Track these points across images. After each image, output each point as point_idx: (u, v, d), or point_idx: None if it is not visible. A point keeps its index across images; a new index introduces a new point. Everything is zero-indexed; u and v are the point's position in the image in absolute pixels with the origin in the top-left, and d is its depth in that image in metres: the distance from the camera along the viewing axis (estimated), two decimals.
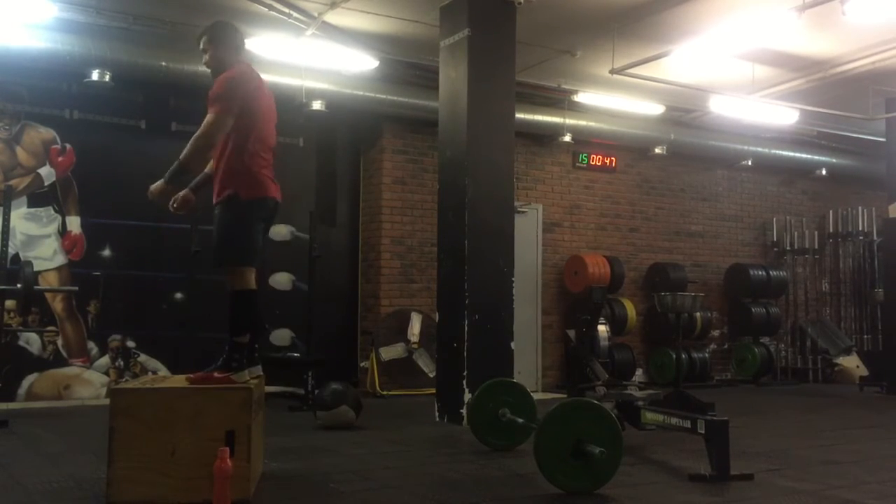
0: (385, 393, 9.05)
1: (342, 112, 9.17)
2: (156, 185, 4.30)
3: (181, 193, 4.58)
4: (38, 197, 8.16)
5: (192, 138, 4.24)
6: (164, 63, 7.92)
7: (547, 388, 10.14)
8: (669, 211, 11.68)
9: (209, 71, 4.59)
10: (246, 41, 7.81)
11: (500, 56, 7.19)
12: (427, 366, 9.10)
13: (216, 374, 4.24)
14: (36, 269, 7.62)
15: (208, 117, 4.26)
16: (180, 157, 4.21)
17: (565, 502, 4.28)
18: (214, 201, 4.42)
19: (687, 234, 11.82)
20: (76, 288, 7.97)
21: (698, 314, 10.69)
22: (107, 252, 8.40)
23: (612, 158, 11.10)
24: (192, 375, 4.29)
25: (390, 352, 9.17)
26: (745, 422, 7.24)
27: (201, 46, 4.55)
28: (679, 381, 7.89)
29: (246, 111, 4.36)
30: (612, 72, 8.61)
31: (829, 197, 13.05)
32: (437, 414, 7.15)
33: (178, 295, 8.68)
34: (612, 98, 9.84)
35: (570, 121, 10.19)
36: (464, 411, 6.54)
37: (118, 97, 8.31)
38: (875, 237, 12.11)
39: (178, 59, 7.98)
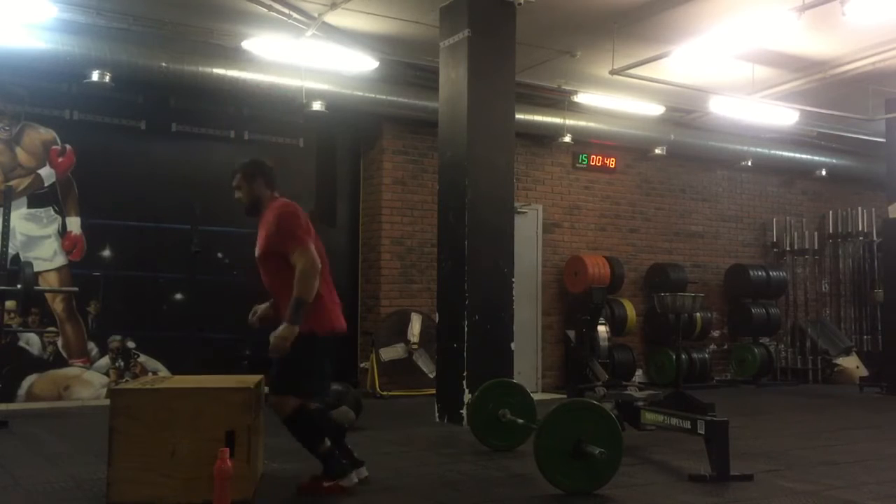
0: (385, 393, 9.05)
1: (342, 113, 9.17)
2: (288, 332, 4.14)
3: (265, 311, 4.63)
4: (39, 197, 8.15)
5: (300, 276, 4.17)
6: (164, 64, 7.91)
7: (547, 388, 10.14)
8: (669, 211, 11.68)
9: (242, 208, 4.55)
10: (245, 42, 7.88)
11: (500, 57, 7.19)
12: (427, 366, 9.10)
13: (324, 484, 4.31)
14: (36, 269, 7.61)
15: (297, 254, 4.21)
16: (298, 296, 4.14)
17: (565, 502, 4.29)
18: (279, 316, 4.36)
19: (687, 234, 11.82)
20: (76, 288, 7.97)
21: (698, 315, 10.69)
22: (107, 252, 8.40)
23: (612, 159, 11.11)
24: (303, 485, 4.37)
25: (390, 352, 9.17)
26: (745, 422, 7.25)
27: (234, 183, 4.52)
28: (679, 382, 7.87)
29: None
30: (612, 72, 8.61)
31: (829, 197, 13.06)
32: (437, 414, 7.15)
33: (178, 295, 8.68)
34: (612, 98, 9.84)
35: (570, 121, 10.19)
36: (464, 412, 6.54)
37: (118, 98, 8.31)
38: (875, 238, 12.10)
39: (178, 59, 7.97)
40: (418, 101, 9.15)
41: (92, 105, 8.32)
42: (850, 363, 11.62)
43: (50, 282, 8.11)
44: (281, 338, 4.12)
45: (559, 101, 10.11)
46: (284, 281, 4.25)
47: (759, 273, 11.72)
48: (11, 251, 7.43)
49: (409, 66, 9.07)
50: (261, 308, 4.65)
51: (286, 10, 7.49)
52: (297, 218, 4.36)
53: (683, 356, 9.89)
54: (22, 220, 8.01)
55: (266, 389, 4.75)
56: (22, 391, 7.94)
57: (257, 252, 4.44)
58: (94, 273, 8.30)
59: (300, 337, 4.17)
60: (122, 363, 8.39)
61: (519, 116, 8.36)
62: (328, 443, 4.36)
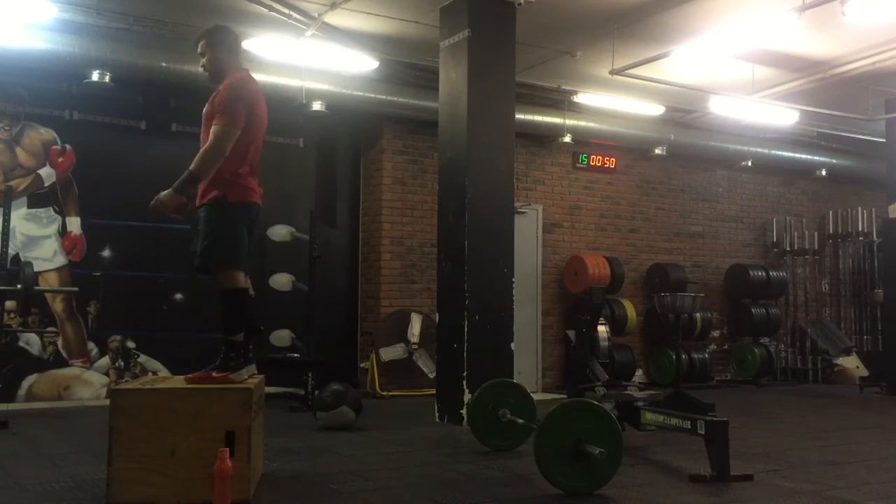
0: (385, 393, 9.05)
1: (342, 113, 9.17)
2: (166, 194, 4.28)
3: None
4: (39, 197, 8.15)
5: (203, 150, 4.28)
6: (164, 64, 7.92)
7: (547, 388, 10.14)
8: (669, 211, 11.68)
9: (207, 76, 4.59)
10: (245, 42, 7.86)
11: (500, 57, 7.19)
12: (427, 366, 9.10)
13: (214, 374, 4.25)
14: (36, 269, 7.61)
15: (216, 128, 4.27)
16: (191, 167, 4.23)
17: (565, 502, 4.29)
18: (198, 203, 4.43)
19: (687, 234, 11.82)
20: (76, 288, 7.97)
21: (698, 315, 10.69)
22: (107, 253, 8.40)
23: (612, 159, 11.11)
24: (190, 376, 4.29)
25: (390, 352, 9.17)
26: (745, 422, 7.25)
27: (199, 50, 4.56)
28: (679, 382, 7.87)
29: (247, 119, 4.37)
30: (612, 72, 8.61)
31: (829, 197, 13.06)
32: (437, 414, 7.15)
33: (178, 295, 8.68)
34: (612, 99, 9.84)
35: (570, 121, 10.20)
36: (464, 412, 6.54)
37: (118, 98, 8.31)
38: (875, 238, 12.10)
39: (178, 59, 7.98)
40: (418, 101, 9.15)
41: (92, 105, 8.32)
42: (850, 363, 11.62)
43: (50, 282, 8.11)
44: (160, 202, 4.25)
45: (559, 101, 10.11)
46: None
47: (759, 273, 11.72)
48: (11, 251, 7.43)
49: (409, 66, 9.07)
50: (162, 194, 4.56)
51: (286, 10, 7.49)
52: (238, 91, 4.35)
53: (683, 356, 9.89)
54: (22, 220, 8.01)
55: (266, 391, 4.76)
56: (22, 391, 7.94)
57: (203, 113, 4.48)
58: (94, 273, 8.29)
59: (211, 203, 4.30)
60: (122, 363, 8.39)
61: (519, 116, 8.36)
62: (242, 335, 4.35)
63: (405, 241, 9.55)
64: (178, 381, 4.39)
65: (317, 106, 8.67)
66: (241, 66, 4.60)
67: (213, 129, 4.28)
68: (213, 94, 4.44)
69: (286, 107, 8.84)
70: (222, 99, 4.33)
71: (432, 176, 9.14)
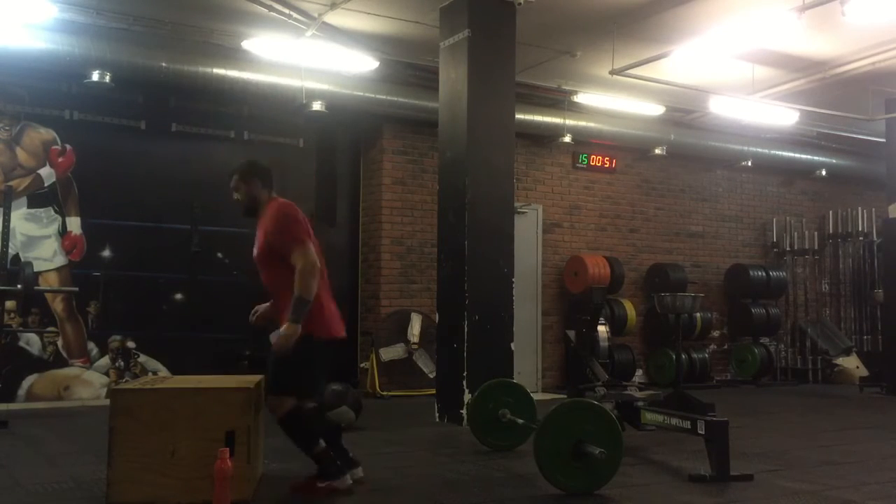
0: (385, 393, 9.05)
1: (342, 113, 9.17)
2: (286, 330, 4.15)
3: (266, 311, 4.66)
4: (39, 197, 8.16)
5: (300, 276, 4.18)
6: (164, 64, 7.91)
7: (547, 388, 10.14)
8: (669, 211, 11.68)
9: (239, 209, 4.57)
10: (245, 42, 7.88)
11: (500, 57, 7.19)
12: (427, 366, 9.09)
13: (318, 485, 4.29)
14: (36, 269, 7.62)
15: (297, 254, 4.21)
16: (299, 295, 4.15)
17: (565, 502, 4.29)
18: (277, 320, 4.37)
19: (687, 234, 11.82)
20: (76, 288, 7.97)
21: (698, 315, 10.69)
22: (107, 253, 8.40)
23: (612, 159, 11.11)
24: (298, 483, 4.36)
25: (390, 352, 9.17)
26: (745, 422, 7.25)
27: (232, 185, 4.53)
28: (679, 382, 7.87)
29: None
30: (611, 72, 8.61)
31: (829, 197, 13.05)
32: (437, 414, 7.15)
33: (178, 295, 8.68)
34: (612, 99, 9.84)
35: (570, 121, 10.19)
36: (464, 412, 6.54)
37: (118, 98, 8.32)
38: (875, 238, 12.09)
39: (178, 59, 7.98)
40: (418, 101, 9.15)
41: (92, 105, 8.32)
42: (850, 363, 11.61)
43: (50, 282, 8.11)
44: (284, 336, 4.12)
45: (559, 101, 10.11)
46: (283, 281, 4.25)
47: (759, 273, 11.72)
48: (11, 251, 7.43)
49: (409, 66, 9.07)
50: (261, 308, 4.67)
51: (286, 10, 7.49)
52: (295, 218, 4.37)
53: (683, 356, 9.89)
54: (22, 220, 8.01)
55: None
56: (22, 391, 7.94)
57: (255, 252, 4.45)
58: (94, 273, 8.30)
59: (298, 338, 4.18)
60: (122, 363, 8.39)
61: (519, 116, 8.36)
62: (322, 444, 4.35)
63: (405, 241, 9.55)
64: (179, 381, 4.40)
65: (317, 106, 8.67)
66: (272, 192, 4.56)
67: (295, 255, 4.21)
68: (267, 220, 4.38)
69: (286, 107, 8.85)
70: (280, 225, 4.30)
71: (432, 176, 9.14)
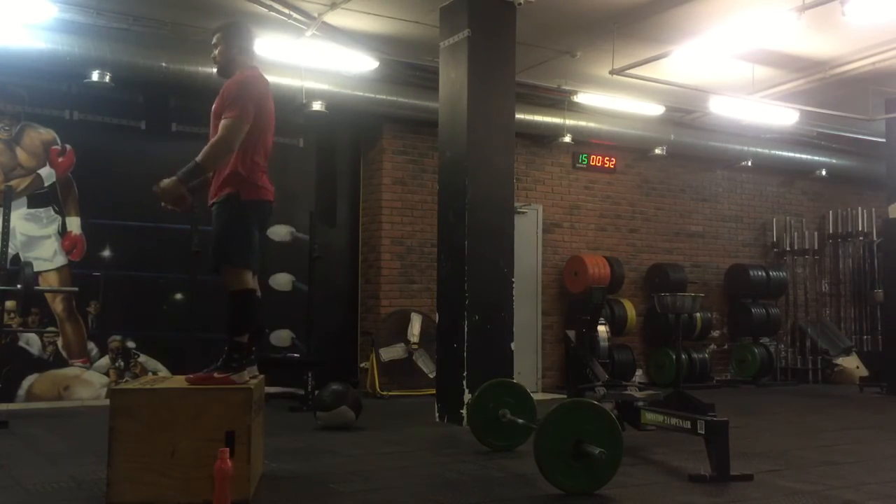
0: (385, 393, 9.05)
1: (342, 113, 9.17)
2: (167, 182, 4.27)
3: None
4: (38, 197, 8.15)
5: (211, 142, 4.28)
6: (164, 64, 7.92)
7: (547, 388, 10.14)
8: (669, 211, 11.68)
9: (214, 69, 4.60)
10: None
11: (500, 57, 7.19)
12: (427, 366, 9.09)
13: (216, 375, 4.25)
14: (36, 269, 7.62)
15: (226, 121, 4.26)
16: (198, 158, 4.24)
17: (565, 502, 4.29)
18: (210, 201, 4.43)
19: (687, 234, 11.82)
20: (76, 288, 7.96)
21: (698, 315, 10.69)
22: (107, 253, 8.40)
23: (612, 159, 11.11)
24: (191, 376, 4.29)
25: (390, 352, 9.17)
26: (745, 422, 7.25)
27: (213, 41, 4.55)
28: (679, 382, 7.88)
29: (256, 116, 4.37)
30: (612, 72, 8.61)
31: (829, 197, 13.05)
32: (437, 414, 7.15)
33: (178, 295, 8.68)
34: (612, 99, 9.84)
35: (570, 121, 10.20)
36: (464, 412, 6.54)
37: (118, 98, 8.32)
38: (875, 238, 12.10)
39: (178, 59, 7.98)
40: (418, 100, 9.15)
41: (92, 105, 8.32)
42: (850, 363, 11.62)
43: (50, 282, 8.11)
44: (161, 186, 4.25)
45: (559, 101, 10.11)
46: None
47: (759, 273, 11.72)
48: (11, 251, 7.43)
49: (408, 66, 9.07)
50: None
51: (286, 10, 7.49)
52: (246, 87, 4.35)
53: (683, 356, 9.89)
54: (22, 220, 8.01)
55: (266, 391, 4.76)
56: (22, 391, 7.94)
57: (212, 109, 4.47)
58: (94, 273, 8.29)
59: (223, 200, 4.31)
60: (122, 363, 8.39)
61: (519, 116, 8.36)
62: (247, 336, 4.34)
63: (405, 241, 9.55)
64: (178, 381, 4.39)
65: (317, 106, 8.67)
66: (252, 64, 4.58)
67: (222, 122, 4.28)
68: (222, 89, 4.42)
69: (286, 107, 8.82)
70: (231, 93, 4.33)
71: (432, 176, 9.14)
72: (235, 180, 4.36)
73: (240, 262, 4.35)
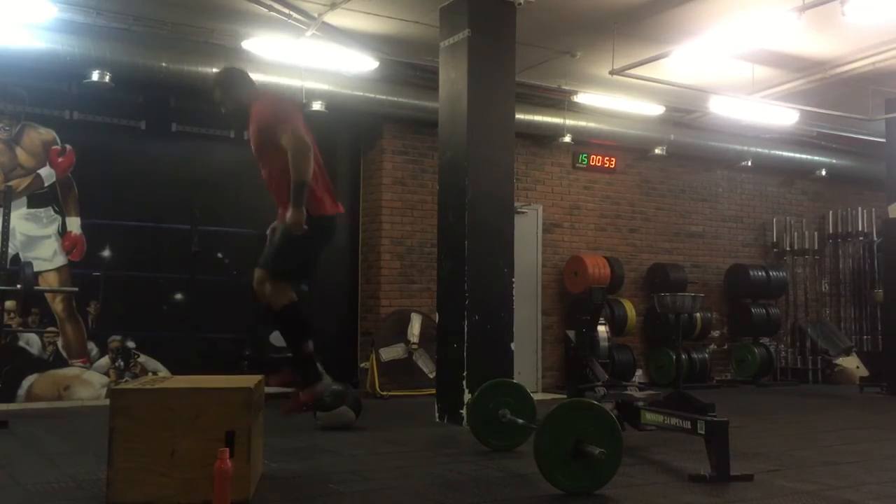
0: (385, 393, 9.05)
1: (342, 113, 9.17)
2: (297, 215, 4.17)
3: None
4: (38, 197, 8.16)
5: (293, 158, 4.21)
6: (164, 64, 7.91)
7: (547, 388, 10.14)
8: (669, 211, 11.68)
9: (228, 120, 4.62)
10: (245, 42, 7.88)
11: (500, 57, 7.19)
12: (427, 366, 9.10)
13: (302, 397, 4.27)
14: (36, 269, 7.61)
15: (287, 137, 4.22)
16: (295, 177, 4.18)
17: (565, 502, 4.29)
18: (281, 218, 4.40)
19: (687, 234, 11.82)
20: (76, 288, 7.97)
21: (698, 315, 10.69)
22: (107, 252, 8.40)
23: (612, 159, 11.11)
24: (284, 410, 4.35)
25: (390, 352, 9.17)
26: (745, 422, 7.24)
27: (216, 98, 4.56)
28: (679, 382, 7.88)
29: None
30: (611, 72, 8.61)
31: (829, 197, 13.06)
32: (437, 414, 7.15)
33: (178, 295, 8.68)
34: (612, 99, 9.84)
35: (569, 121, 10.20)
36: (464, 412, 6.54)
37: (118, 98, 8.31)
38: (875, 238, 12.10)
39: (178, 59, 7.98)
40: (418, 100, 9.15)
41: (92, 105, 8.32)
42: (850, 363, 11.62)
43: (50, 282, 8.11)
44: (292, 223, 4.13)
45: (559, 101, 10.11)
46: (282, 171, 4.28)
47: (759, 273, 11.72)
48: (11, 251, 7.43)
49: (408, 66, 9.06)
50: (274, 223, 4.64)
51: (286, 10, 7.49)
52: (282, 103, 4.37)
53: (683, 356, 9.89)
54: (22, 220, 8.01)
55: (266, 391, 4.77)
56: (22, 391, 7.94)
57: (253, 148, 4.44)
58: (94, 273, 8.29)
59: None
60: (122, 363, 8.39)
61: (519, 116, 8.36)
62: (311, 344, 4.33)
63: (405, 241, 9.55)
64: (179, 381, 4.39)
65: (317, 106, 8.67)
66: (254, 89, 4.59)
67: (284, 137, 4.23)
68: (254, 119, 4.39)
69: None
70: (271, 113, 4.30)
71: (432, 176, 9.14)
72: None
73: (293, 278, 4.31)
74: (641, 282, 11.26)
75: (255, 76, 8.18)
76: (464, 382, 6.76)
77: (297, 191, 4.17)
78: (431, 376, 8.45)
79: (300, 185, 4.17)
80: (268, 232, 4.72)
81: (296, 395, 4.28)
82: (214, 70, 8.07)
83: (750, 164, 11.86)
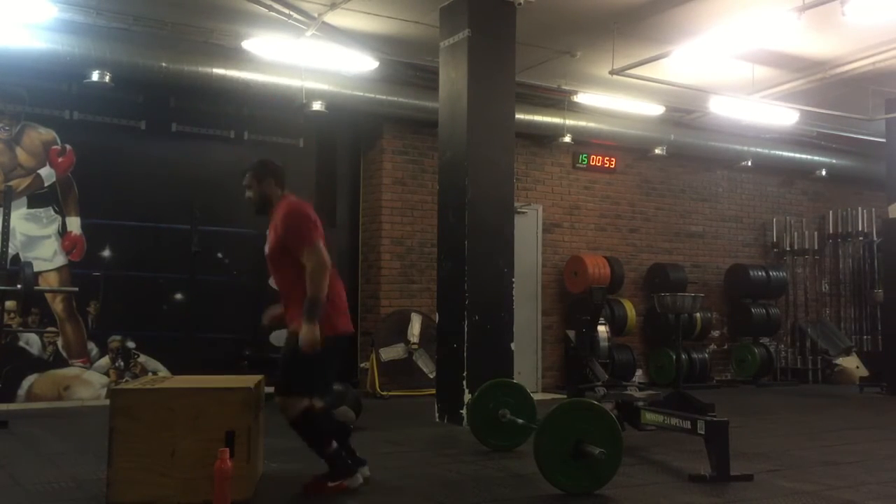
0: (385, 393, 9.05)
1: (342, 113, 9.17)
2: (306, 334, 4.13)
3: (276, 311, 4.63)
4: (38, 197, 8.15)
5: (310, 277, 4.19)
6: (164, 64, 7.91)
7: (547, 388, 10.14)
8: (669, 211, 11.68)
9: (253, 208, 4.58)
10: (245, 42, 7.87)
11: (500, 56, 7.19)
12: (427, 366, 9.09)
13: (329, 484, 4.29)
14: (36, 269, 7.61)
15: (308, 253, 4.22)
16: (310, 295, 4.16)
17: (565, 502, 4.29)
18: (290, 328, 4.38)
19: (687, 234, 11.82)
20: (76, 288, 7.96)
21: (698, 315, 10.69)
22: (107, 253, 8.40)
23: (612, 159, 11.10)
24: (307, 486, 4.33)
25: (390, 352, 9.17)
26: (745, 422, 7.25)
27: (245, 182, 4.54)
28: (679, 382, 7.88)
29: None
30: (611, 72, 8.61)
31: (829, 197, 13.06)
32: (437, 414, 7.15)
33: (178, 296, 8.67)
34: (612, 99, 9.84)
35: (570, 121, 10.19)
36: (464, 412, 6.54)
37: (118, 98, 8.31)
38: (875, 238, 12.10)
39: (178, 59, 7.98)
40: (418, 100, 9.15)
41: (92, 105, 8.31)
42: (850, 363, 11.62)
43: (50, 282, 8.11)
44: (306, 339, 4.10)
45: (559, 101, 10.10)
46: (294, 279, 4.27)
47: (759, 273, 11.72)
48: (11, 251, 7.43)
49: (408, 66, 9.06)
50: (273, 310, 4.69)
51: (286, 10, 7.49)
52: (307, 217, 4.37)
53: (683, 356, 9.89)
54: (22, 220, 8.01)
55: (266, 391, 4.77)
56: (22, 391, 7.94)
57: (267, 250, 4.44)
58: (94, 273, 8.29)
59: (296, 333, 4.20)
60: (122, 363, 8.39)
61: (519, 116, 8.36)
62: (335, 444, 4.36)
63: (405, 241, 9.55)
64: (179, 381, 4.40)
65: (317, 106, 8.67)
66: (284, 190, 4.56)
67: (306, 253, 4.22)
68: (277, 222, 4.37)
69: (286, 107, 8.85)
70: (294, 224, 4.30)
71: (432, 176, 9.14)
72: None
73: (307, 394, 4.29)
74: (641, 282, 11.25)
75: (256, 76, 8.33)
76: (464, 382, 6.77)
77: (311, 307, 4.14)
78: (431, 376, 8.45)
79: (315, 302, 4.15)
80: (265, 321, 4.72)
81: (323, 481, 4.31)
82: (215, 70, 8.13)
83: (750, 164, 11.86)
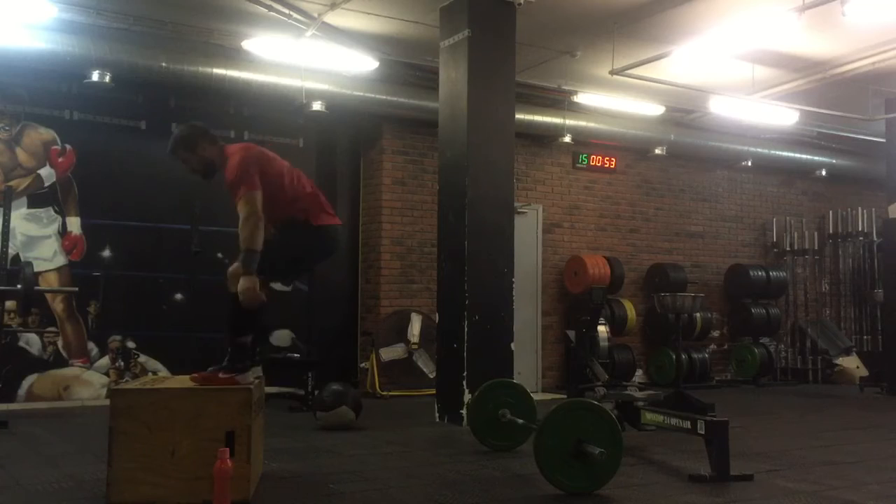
0: (385, 393, 9.05)
1: (342, 113, 9.17)
2: (249, 283, 4.18)
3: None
4: (39, 198, 8.15)
5: (242, 224, 4.23)
6: (164, 64, 7.91)
7: (547, 388, 10.14)
8: (669, 211, 11.68)
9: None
10: (245, 42, 7.87)
11: (500, 57, 7.19)
12: (427, 366, 9.10)
13: (221, 375, 4.25)
14: (36, 269, 7.61)
15: (240, 203, 4.25)
16: (243, 245, 4.20)
17: (565, 502, 4.29)
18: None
19: (687, 234, 11.82)
20: (76, 288, 7.96)
21: (698, 315, 10.69)
22: (107, 253, 8.40)
23: (612, 159, 11.10)
24: (195, 375, 4.29)
25: (390, 352, 9.17)
26: (745, 422, 7.24)
27: (182, 161, 4.52)
28: (679, 382, 7.88)
29: (264, 176, 4.40)
30: (612, 72, 8.61)
31: (829, 197, 13.06)
32: (437, 414, 7.15)
33: (179, 295, 8.68)
34: (612, 99, 9.84)
35: (570, 121, 10.19)
36: (464, 412, 6.54)
37: (118, 98, 8.31)
38: (875, 238, 12.10)
39: (178, 59, 7.97)
40: (418, 100, 9.15)
41: (92, 105, 8.32)
42: (850, 363, 11.61)
43: (50, 282, 8.11)
44: (245, 291, 4.15)
45: (559, 101, 10.11)
46: (276, 207, 4.40)
47: (759, 273, 11.73)
48: (11, 251, 7.42)
49: (408, 66, 9.07)
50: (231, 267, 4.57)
51: (286, 10, 7.49)
52: (240, 164, 4.34)
53: (683, 356, 9.89)
54: (22, 220, 8.01)
55: (266, 391, 4.76)
56: (22, 391, 7.94)
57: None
58: (94, 273, 8.29)
59: (297, 226, 4.41)
60: (122, 363, 8.39)
61: (519, 116, 8.36)
62: (250, 336, 4.35)
63: (405, 241, 9.55)
64: (179, 381, 4.39)
65: (317, 106, 8.67)
66: (221, 144, 4.54)
67: (238, 201, 4.27)
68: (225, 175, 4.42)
69: (286, 107, 8.85)
70: (230, 178, 4.33)
71: (432, 176, 9.14)
72: (307, 210, 4.56)
73: (279, 277, 4.37)
74: (641, 282, 11.26)
75: (256, 76, 8.33)
76: (464, 382, 6.76)
77: (245, 259, 4.17)
78: (431, 376, 8.46)
79: (248, 252, 4.19)
80: (228, 278, 4.67)
81: (215, 372, 4.27)
82: (215, 71, 8.13)
83: (750, 164, 11.86)
